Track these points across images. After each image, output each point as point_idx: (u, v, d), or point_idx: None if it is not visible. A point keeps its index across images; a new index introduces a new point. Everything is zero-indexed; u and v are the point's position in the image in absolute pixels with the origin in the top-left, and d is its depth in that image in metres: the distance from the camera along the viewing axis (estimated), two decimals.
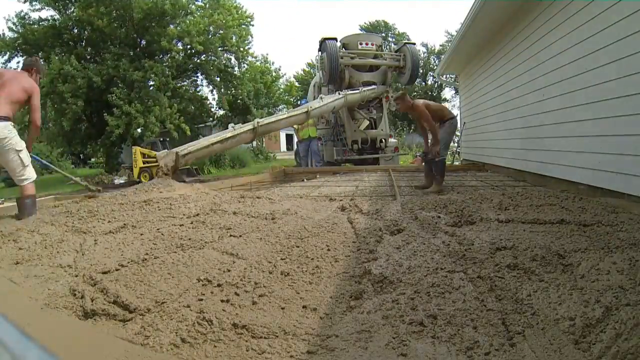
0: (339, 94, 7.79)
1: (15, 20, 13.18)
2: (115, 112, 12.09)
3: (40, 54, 13.12)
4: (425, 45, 29.72)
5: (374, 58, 9.30)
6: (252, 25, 15.53)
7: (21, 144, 3.41)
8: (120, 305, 1.55)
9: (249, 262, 1.98)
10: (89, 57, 13.88)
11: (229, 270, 1.87)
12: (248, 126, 5.83)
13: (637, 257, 1.71)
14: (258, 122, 5.93)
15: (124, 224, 2.84)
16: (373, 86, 8.89)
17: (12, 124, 3.36)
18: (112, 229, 2.75)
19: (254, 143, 22.84)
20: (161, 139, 12.49)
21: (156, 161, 5.17)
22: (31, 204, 3.43)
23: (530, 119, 5.23)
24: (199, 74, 15.74)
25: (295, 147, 17.32)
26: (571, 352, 1.15)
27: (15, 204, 3.63)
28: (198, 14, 14.18)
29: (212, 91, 17.56)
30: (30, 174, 3.48)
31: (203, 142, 5.54)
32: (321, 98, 7.38)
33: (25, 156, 3.44)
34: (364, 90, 8.48)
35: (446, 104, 29.31)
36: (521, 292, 1.52)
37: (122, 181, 11.28)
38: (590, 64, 3.70)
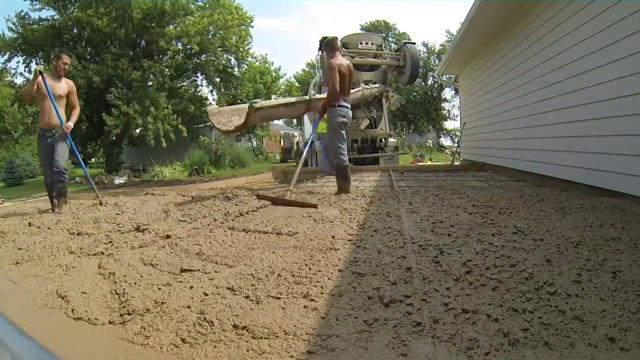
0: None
1: (15, 20, 13.16)
2: (113, 112, 12.09)
3: (40, 53, 13.08)
4: (425, 45, 29.67)
5: (374, 57, 9.28)
6: (252, 27, 15.54)
7: None
8: None
9: (249, 261, 1.98)
10: (88, 57, 13.86)
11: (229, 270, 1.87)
12: (305, 97, 5.43)
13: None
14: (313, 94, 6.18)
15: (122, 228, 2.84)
16: (373, 85, 8.85)
17: None
18: (111, 229, 2.75)
19: (254, 143, 22.83)
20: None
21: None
22: None
23: (530, 119, 5.23)
24: (198, 74, 15.73)
25: (295, 147, 17.27)
26: (571, 351, 1.15)
27: (10, 203, 3.67)
28: (198, 14, 14.16)
29: (212, 91, 17.57)
30: None
31: (273, 101, 5.28)
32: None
33: None
34: (364, 89, 8.44)
35: (446, 104, 29.31)
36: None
37: (122, 181, 11.28)
38: (590, 64, 3.70)
